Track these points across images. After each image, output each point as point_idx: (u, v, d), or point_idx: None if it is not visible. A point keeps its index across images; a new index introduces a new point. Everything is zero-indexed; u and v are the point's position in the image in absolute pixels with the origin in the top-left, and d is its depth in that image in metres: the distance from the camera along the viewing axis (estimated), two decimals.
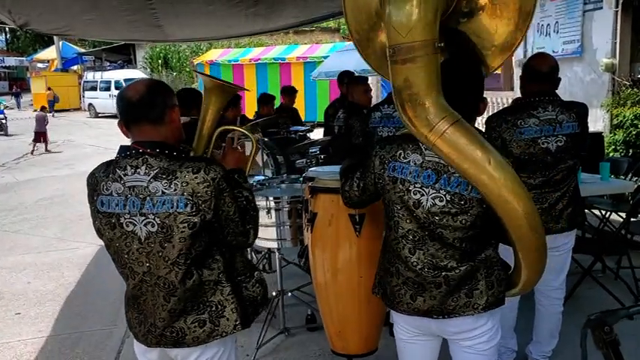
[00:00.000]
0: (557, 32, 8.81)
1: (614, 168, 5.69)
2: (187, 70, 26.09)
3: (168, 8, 4.96)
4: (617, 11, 7.57)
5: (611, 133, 7.51)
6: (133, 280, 1.92)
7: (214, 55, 21.45)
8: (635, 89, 7.34)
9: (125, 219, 1.84)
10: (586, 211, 5.54)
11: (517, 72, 9.66)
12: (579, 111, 3.04)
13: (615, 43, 7.64)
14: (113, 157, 1.92)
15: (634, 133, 7.10)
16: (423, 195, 1.95)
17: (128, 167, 1.84)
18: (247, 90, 2.54)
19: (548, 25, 9.02)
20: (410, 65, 1.75)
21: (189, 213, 1.81)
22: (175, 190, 1.80)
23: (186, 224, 1.81)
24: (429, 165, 1.95)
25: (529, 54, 9.57)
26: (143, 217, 1.83)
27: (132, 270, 1.90)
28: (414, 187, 1.97)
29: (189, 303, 1.91)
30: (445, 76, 1.87)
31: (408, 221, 1.99)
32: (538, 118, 2.96)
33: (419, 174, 1.95)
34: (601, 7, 7.90)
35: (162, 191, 1.81)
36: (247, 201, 2.03)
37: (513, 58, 9.99)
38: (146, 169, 1.83)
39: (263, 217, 3.58)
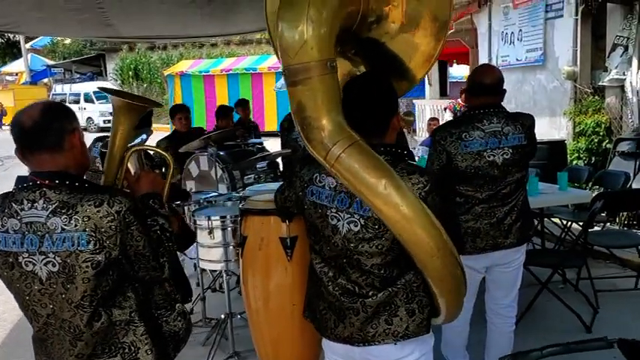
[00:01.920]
0: (521, 40, 8.84)
1: (574, 177, 5.67)
2: (158, 81, 25.82)
3: (116, 6, 4.86)
4: (577, 19, 7.61)
5: (574, 140, 7.52)
6: (37, 323, 1.77)
7: (185, 66, 21.24)
8: (596, 97, 7.37)
9: (24, 258, 1.69)
10: (548, 220, 5.55)
11: None
12: (525, 122, 2.95)
13: (576, 50, 7.67)
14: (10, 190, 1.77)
15: (596, 140, 7.11)
16: (339, 220, 1.85)
17: (25, 201, 1.69)
18: (160, 105, 2.40)
19: (512, 33, 9.05)
20: (301, 87, 1.66)
21: (92, 251, 1.66)
22: (76, 226, 1.65)
23: (89, 263, 1.67)
24: (342, 188, 1.85)
25: (494, 62, 9.59)
26: (43, 256, 1.68)
27: (35, 312, 1.75)
28: (331, 212, 1.88)
29: (100, 346, 1.76)
30: (347, 95, 1.78)
31: (328, 247, 1.91)
32: (483, 131, 2.87)
33: (333, 198, 1.86)
34: (562, 16, 7.93)
35: (62, 227, 1.66)
36: (162, 230, 1.88)
37: None
38: (44, 202, 1.68)
39: (205, 238, 3.45)
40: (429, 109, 12.07)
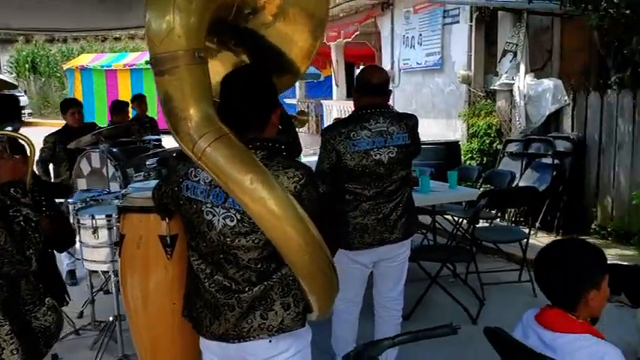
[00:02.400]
0: (421, 44, 9.14)
1: (466, 176, 5.95)
2: (58, 75, 24.49)
3: None
4: (471, 25, 7.98)
5: (468, 141, 7.87)
6: None
7: (86, 59, 20.27)
8: (488, 100, 7.75)
9: None
10: (440, 217, 5.78)
11: None
12: (409, 122, 3.06)
13: (470, 55, 8.04)
14: None
15: (487, 141, 7.48)
16: (214, 215, 1.82)
17: None
18: (14, 86, 2.27)
19: (413, 37, 9.34)
20: (168, 77, 1.62)
21: None
22: None
23: None
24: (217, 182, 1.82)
25: (396, 65, 9.87)
26: None
27: None
28: (206, 207, 1.84)
29: None
30: (225, 87, 1.75)
31: (204, 244, 1.87)
32: (370, 130, 2.94)
33: (208, 193, 1.83)
34: (458, 22, 8.29)
35: None
36: (26, 220, 1.78)
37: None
38: None
39: (89, 238, 3.30)
40: (336, 109, 12.23)
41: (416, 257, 4.39)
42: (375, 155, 2.93)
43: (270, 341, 1.84)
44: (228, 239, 1.80)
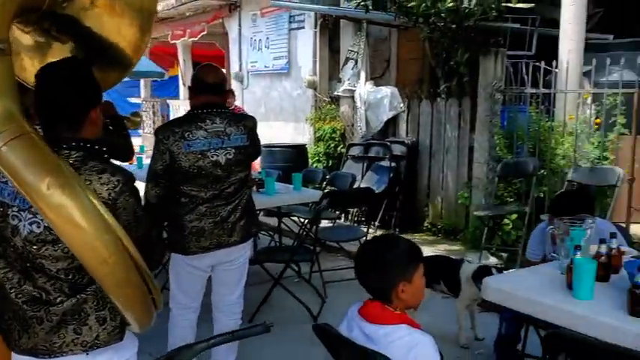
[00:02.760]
0: (268, 48, 9.23)
1: (311, 178, 6.09)
2: None
3: None
4: (316, 32, 8.21)
5: (315, 145, 8.09)
6: None
7: None
8: (333, 105, 8.03)
9: None
10: (288, 219, 5.87)
11: (234, 84, 9.87)
12: (247, 124, 3.03)
13: (316, 61, 8.27)
14: None
15: (332, 145, 7.75)
16: (20, 220, 1.66)
17: None
18: None
19: (260, 40, 9.41)
20: None
21: None
22: None
23: None
24: None
25: (244, 68, 9.87)
26: None
27: None
28: (12, 210, 1.67)
29: None
30: (37, 80, 1.62)
31: (11, 250, 1.70)
32: (206, 131, 2.87)
33: (15, 195, 1.66)
34: (303, 27, 8.49)
35: None
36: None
37: (231, 71, 10.21)
38: None
39: None
40: (184, 109, 11.95)
41: (259, 259, 4.41)
42: (212, 156, 2.88)
43: (87, 354, 1.72)
44: (34, 247, 1.65)
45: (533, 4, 5.68)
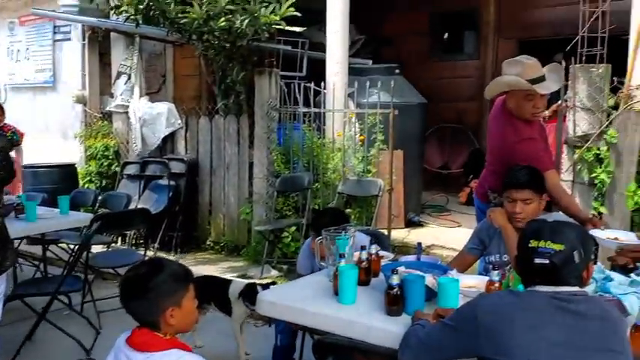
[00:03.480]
0: (29, 59, 8.40)
1: (82, 200, 5.64)
2: None
3: None
4: (84, 44, 7.69)
5: (86, 164, 7.53)
6: None
7: None
8: (105, 121, 7.57)
9: None
10: (56, 246, 5.34)
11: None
12: None
13: (85, 75, 7.74)
14: None
15: (106, 164, 7.29)
16: None
17: None
18: None
19: (19, 50, 8.52)
20: None
21: None
22: None
23: None
24: None
25: (0, 80, 8.86)
26: None
27: None
28: None
29: None
30: None
31: None
32: None
33: None
34: (70, 39, 7.90)
35: None
36: None
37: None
38: None
39: None
40: None
41: (19, 294, 3.94)
42: None
43: None
44: None
45: (303, 29, 6.01)
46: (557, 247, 1.70)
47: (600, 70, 3.89)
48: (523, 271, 1.80)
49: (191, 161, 6.57)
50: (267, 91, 5.88)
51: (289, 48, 6.63)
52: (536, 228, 1.76)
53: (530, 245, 1.73)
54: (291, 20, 5.70)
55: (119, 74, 7.06)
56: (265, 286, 3.30)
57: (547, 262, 1.69)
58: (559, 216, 2.78)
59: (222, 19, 5.43)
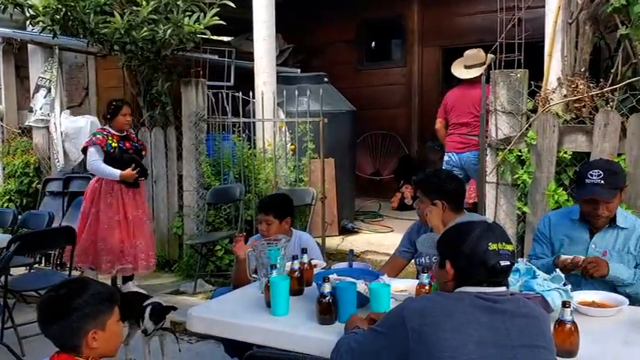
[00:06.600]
0: None
1: (0, 220, 5.35)
2: None
3: None
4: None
5: (5, 182, 7.15)
6: None
7: None
8: (24, 137, 7.22)
9: None
10: None
11: None
12: None
13: (0, 89, 7.36)
14: None
15: (26, 181, 6.95)
16: None
17: None
18: None
19: None
20: None
21: None
22: None
23: None
24: None
25: None
26: None
27: None
28: None
29: None
30: None
31: None
32: None
33: None
34: None
35: None
36: None
37: None
38: None
39: None
40: None
41: None
42: None
43: None
44: None
45: (231, 38, 5.95)
46: (510, 247, 1.75)
47: (519, 75, 4.03)
48: (481, 273, 1.73)
49: None
50: (194, 101, 5.77)
51: (216, 57, 6.54)
52: (486, 229, 1.77)
53: (490, 248, 1.71)
54: (218, 29, 5.62)
55: (38, 87, 6.75)
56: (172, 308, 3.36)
57: (509, 263, 1.73)
58: (475, 216, 2.76)
59: (145, 28, 5.29)
